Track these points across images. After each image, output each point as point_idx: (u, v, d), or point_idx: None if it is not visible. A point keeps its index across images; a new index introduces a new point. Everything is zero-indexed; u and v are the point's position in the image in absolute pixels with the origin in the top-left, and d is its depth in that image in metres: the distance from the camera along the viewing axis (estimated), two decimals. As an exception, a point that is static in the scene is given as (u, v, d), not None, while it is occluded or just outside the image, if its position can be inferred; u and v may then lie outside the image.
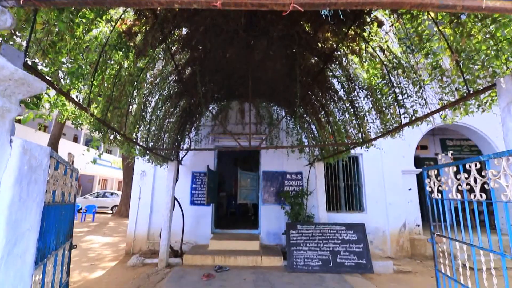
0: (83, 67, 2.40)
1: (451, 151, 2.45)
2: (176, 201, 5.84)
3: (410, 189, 6.82)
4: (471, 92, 2.19)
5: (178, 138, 5.78)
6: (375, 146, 4.02)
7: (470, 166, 2.13)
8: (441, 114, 2.69)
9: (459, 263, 2.44)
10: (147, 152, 4.29)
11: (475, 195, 2.09)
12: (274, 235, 6.39)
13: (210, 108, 6.55)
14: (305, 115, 5.86)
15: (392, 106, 3.17)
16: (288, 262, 5.03)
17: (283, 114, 6.00)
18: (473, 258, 2.20)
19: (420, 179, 7.49)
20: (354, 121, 4.04)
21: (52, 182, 1.78)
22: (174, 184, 5.67)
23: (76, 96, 2.45)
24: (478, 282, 2.18)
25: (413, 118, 2.87)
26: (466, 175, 2.20)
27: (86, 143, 24.68)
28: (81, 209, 13.60)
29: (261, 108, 6.81)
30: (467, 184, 2.19)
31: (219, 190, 9.08)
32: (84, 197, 17.22)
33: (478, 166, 2.09)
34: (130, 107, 3.40)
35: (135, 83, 3.22)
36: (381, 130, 3.50)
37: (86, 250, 6.75)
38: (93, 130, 2.80)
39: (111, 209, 16.65)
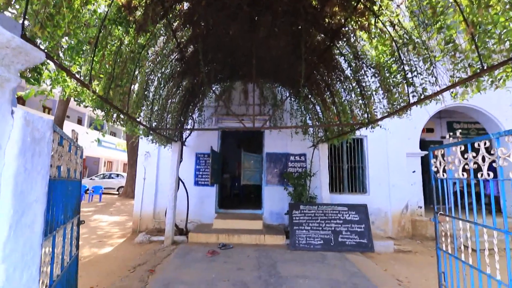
0: (83, 42, 2.34)
1: (459, 130, 2.40)
2: (180, 182, 5.92)
3: (414, 172, 6.80)
4: (485, 67, 2.10)
5: (181, 119, 5.75)
6: (380, 127, 3.96)
7: (479, 145, 2.09)
8: (452, 92, 2.61)
9: (461, 241, 2.45)
10: (151, 132, 4.29)
11: (482, 174, 2.06)
12: (277, 215, 6.51)
13: (213, 89, 6.46)
14: (309, 96, 5.76)
15: (400, 85, 3.08)
16: (290, 240, 5.15)
17: (287, 94, 5.90)
18: (476, 237, 2.20)
19: (424, 162, 7.46)
20: (360, 101, 3.95)
21: (57, 157, 1.79)
22: (178, 165, 5.72)
23: (77, 73, 2.40)
24: (480, 260, 2.20)
25: (422, 96, 2.79)
26: (474, 154, 2.16)
27: (90, 125, 24.86)
28: (88, 190, 13.92)
29: (265, 89, 6.70)
30: (475, 163, 2.15)
31: (223, 172, 9.17)
32: (91, 178, 17.56)
33: (488, 144, 2.04)
34: (132, 85, 3.35)
35: (137, 60, 3.15)
36: (388, 110, 3.42)
37: (94, 228, 6.97)
38: (96, 108, 2.78)
39: (117, 190, 17.02)
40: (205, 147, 6.72)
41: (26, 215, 1.20)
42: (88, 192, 13.77)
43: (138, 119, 3.64)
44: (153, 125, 4.37)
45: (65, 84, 2.53)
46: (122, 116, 3.20)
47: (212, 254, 4.66)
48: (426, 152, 7.03)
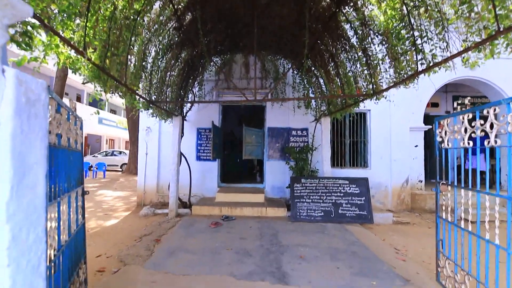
0: (74, 5, 2.20)
1: (468, 97, 2.32)
2: (182, 156, 5.94)
3: (416, 146, 6.78)
4: (502, 29, 1.98)
5: (181, 93, 5.64)
6: (385, 98, 3.86)
7: (488, 112, 2.03)
8: (463, 58, 2.49)
9: (462, 209, 2.47)
10: (151, 105, 4.22)
11: (489, 142, 2.02)
12: (278, 189, 6.61)
13: (213, 62, 6.26)
14: (313, 68, 5.58)
15: (408, 52, 2.94)
16: (291, 213, 5.26)
17: (290, 67, 5.71)
18: (477, 205, 2.21)
19: (427, 136, 7.41)
20: (365, 72, 3.82)
21: (56, 125, 1.75)
22: (180, 140, 5.71)
23: (70, 39, 2.29)
24: (479, 228, 2.23)
25: (431, 64, 2.67)
26: (482, 122, 2.10)
27: (90, 104, 24.59)
28: (91, 166, 14.11)
29: (267, 61, 6.48)
30: (482, 131, 2.11)
31: (224, 148, 9.19)
32: (93, 156, 17.75)
33: (497, 111, 1.98)
34: (130, 56, 3.22)
35: (132, 28, 3.00)
36: (394, 80, 3.31)
37: (99, 202, 7.14)
38: (92, 78, 2.69)
39: (121, 167, 17.24)
40: (206, 122, 6.66)
41: (27, 177, 1.19)
42: (92, 168, 13.96)
43: (137, 92, 3.55)
44: (153, 98, 4.29)
45: (58, 50, 2.43)
46: (120, 87, 3.12)
47: (215, 225, 4.79)
48: (430, 127, 6.96)
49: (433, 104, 8.92)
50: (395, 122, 6.66)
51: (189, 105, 6.19)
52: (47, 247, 1.41)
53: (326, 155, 5.68)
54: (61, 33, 2.18)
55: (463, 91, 8.94)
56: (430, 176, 8.26)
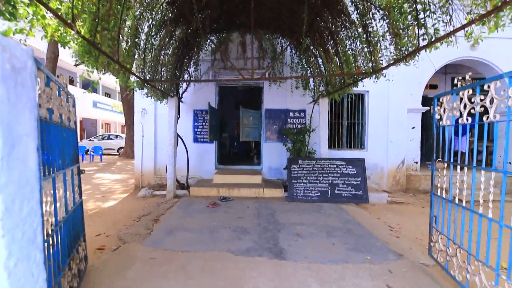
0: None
1: (469, 73, 2.28)
2: (179, 138, 5.90)
3: (413, 128, 6.79)
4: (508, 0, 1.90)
5: (176, 73, 5.49)
6: (385, 76, 3.79)
7: (489, 87, 1.99)
8: (466, 31, 2.42)
9: (457, 189, 2.50)
10: (145, 84, 4.11)
11: (488, 117, 2.00)
12: (275, 171, 6.65)
13: (209, 41, 6.07)
14: (311, 47, 5.44)
15: (410, 28, 2.85)
16: (288, 193, 5.33)
17: (287, 46, 5.55)
18: (472, 181, 2.23)
19: (424, 118, 7.40)
20: (365, 49, 3.72)
21: (46, 99, 1.69)
22: (176, 121, 5.64)
23: (58, 9, 2.17)
24: (473, 205, 2.26)
25: (433, 39, 2.60)
26: (482, 97, 2.08)
27: (83, 86, 24.04)
28: (88, 150, 14.02)
29: (264, 40, 6.30)
30: (482, 106, 2.08)
31: (222, 132, 9.14)
32: (90, 140, 17.61)
33: (498, 85, 1.95)
34: (121, 31, 3.09)
35: (123, 0, 2.85)
36: (395, 57, 3.23)
37: (97, 185, 7.15)
38: (83, 54, 2.59)
39: (117, 151, 17.19)
40: (203, 103, 6.56)
41: (17, 148, 1.15)
42: (88, 153, 13.88)
43: (130, 70, 3.44)
44: (147, 78, 4.17)
45: (44, 22, 2.30)
46: (113, 65, 3.01)
47: (213, 205, 4.85)
48: (428, 108, 6.93)
49: (432, 86, 8.84)
50: (393, 103, 6.62)
51: (185, 86, 6.07)
52: (43, 221, 1.40)
53: (324, 136, 5.67)
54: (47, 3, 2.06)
55: (462, 73, 8.85)
56: (426, 158, 8.35)
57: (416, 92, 6.76)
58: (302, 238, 3.35)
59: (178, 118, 5.79)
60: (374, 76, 3.69)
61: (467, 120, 2.25)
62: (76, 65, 11.44)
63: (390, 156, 6.67)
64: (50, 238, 1.64)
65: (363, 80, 4.13)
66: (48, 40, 2.58)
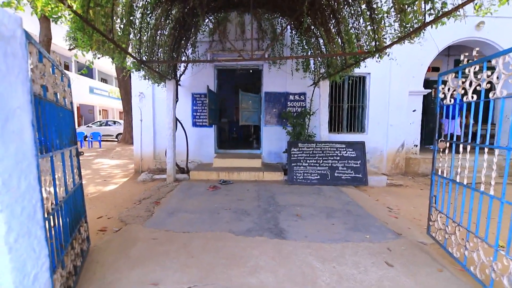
0: None
1: (477, 48, 2.21)
2: (178, 122, 5.84)
3: (414, 111, 6.73)
4: (521, -31, 1.81)
5: (173, 55, 5.35)
6: (388, 55, 3.69)
7: (497, 62, 1.94)
8: (476, 4, 2.32)
9: (459, 170, 2.49)
10: (142, 65, 4.00)
11: (494, 93, 1.96)
12: (275, 154, 6.64)
13: (206, 21, 5.88)
14: (312, 27, 5.28)
15: (417, 2, 2.74)
16: (288, 176, 5.34)
17: (288, 26, 5.38)
18: (475, 159, 2.21)
19: (425, 101, 7.33)
20: (369, 27, 3.60)
21: (39, 75, 1.63)
22: (175, 105, 5.56)
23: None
24: (475, 181, 2.27)
25: (440, 14, 2.50)
26: (489, 73, 2.02)
27: (79, 71, 23.58)
28: (86, 136, 13.94)
29: (263, 20, 6.10)
30: (488, 82, 2.03)
31: (220, 116, 9.05)
32: (88, 126, 17.49)
33: (507, 59, 1.90)
34: (115, 7, 2.96)
35: (116, -26, 2.71)
36: (399, 35, 3.13)
37: (97, 170, 7.15)
38: (75, 30, 2.48)
39: (116, 137, 17.11)
40: (201, 87, 6.45)
41: (11, 121, 1.11)
42: (87, 139, 13.82)
43: (126, 50, 3.33)
44: (143, 59, 4.06)
45: (34, -6, 2.19)
46: (108, 43, 2.90)
47: (213, 188, 4.87)
48: (430, 91, 6.87)
49: (434, 69, 8.69)
50: (394, 86, 6.53)
51: (182, 68, 5.93)
52: (42, 198, 1.38)
53: (324, 119, 5.62)
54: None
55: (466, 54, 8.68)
56: (425, 142, 8.34)
57: (418, 74, 6.65)
58: (302, 219, 3.39)
59: (176, 101, 5.71)
60: (377, 55, 3.60)
61: (472, 97, 2.21)
62: (70, 49, 11.19)
63: (390, 139, 6.66)
64: (51, 217, 1.64)
65: (365, 60, 4.04)
66: (39, 16, 2.47)
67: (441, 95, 2.64)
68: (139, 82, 6.15)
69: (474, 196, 2.19)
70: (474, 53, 2.20)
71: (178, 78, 5.73)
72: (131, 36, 3.61)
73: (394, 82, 6.51)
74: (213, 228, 3.07)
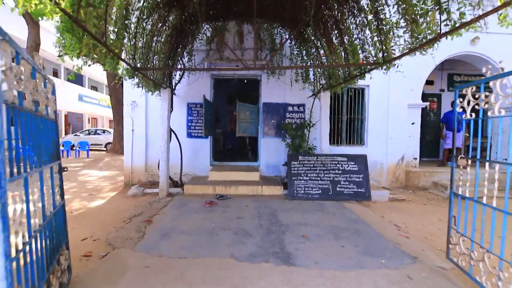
0: None
1: (503, 62, 2.06)
2: (172, 133, 5.54)
3: (413, 123, 6.67)
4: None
5: (169, 63, 5.12)
6: (397, 67, 3.56)
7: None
8: (500, 14, 2.20)
9: (484, 185, 2.31)
10: (136, 72, 3.74)
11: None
12: (273, 167, 6.40)
13: (204, 29, 5.71)
14: (312, 38, 5.17)
15: (430, 13, 2.62)
16: (288, 191, 5.09)
17: (287, 37, 5.25)
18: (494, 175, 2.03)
19: (423, 113, 7.31)
20: (375, 38, 3.48)
21: (13, 78, 1.35)
22: (169, 114, 5.28)
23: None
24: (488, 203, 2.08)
25: (458, 24, 2.37)
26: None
27: (69, 79, 22.98)
28: (73, 145, 13.36)
29: (262, 30, 5.98)
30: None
31: (216, 127, 8.79)
32: (75, 135, 16.87)
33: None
34: (109, 9, 2.72)
35: (111, -27, 2.48)
36: (409, 46, 3.00)
37: (83, 183, 6.71)
38: (64, 31, 2.22)
39: (105, 146, 16.52)
40: (197, 96, 6.21)
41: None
42: (74, 148, 13.23)
43: (119, 55, 3.07)
44: (138, 66, 3.80)
45: (16, -11, 1.93)
46: (99, 47, 2.64)
47: (209, 204, 4.55)
48: (427, 104, 6.86)
49: (428, 82, 8.74)
50: (393, 98, 6.47)
51: (178, 77, 5.70)
52: (9, 235, 1.09)
53: (325, 131, 5.45)
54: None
55: (460, 69, 8.83)
56: (424, 154, 8.29)
57: (416, 87, 6.63)
58: (309, 241, 3.12)
59: (171, 111, 5.43)
60: (384, 67, 3.46)
61: (499, 112, 2.04)
62: (59, 56, 10.82)
63: (389, 152, 6.54)
64: (22, 254, 1.32)
65: (371, 72, 3.90)
66: (20, 13, 2.20)
67: (459, 110, 2.48)
68: (131, 90, 5.86)
69: (497, 216, 2.00)
70: (500, 64, 2.05)
71: (173, 87, 5.48)
72: (125, 41, 3.36)
73: (393, 95, 6.45)
74: (212, 253, 2.76)
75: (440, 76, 9.05)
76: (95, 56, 2.73)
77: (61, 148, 12.62)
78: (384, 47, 3.34)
